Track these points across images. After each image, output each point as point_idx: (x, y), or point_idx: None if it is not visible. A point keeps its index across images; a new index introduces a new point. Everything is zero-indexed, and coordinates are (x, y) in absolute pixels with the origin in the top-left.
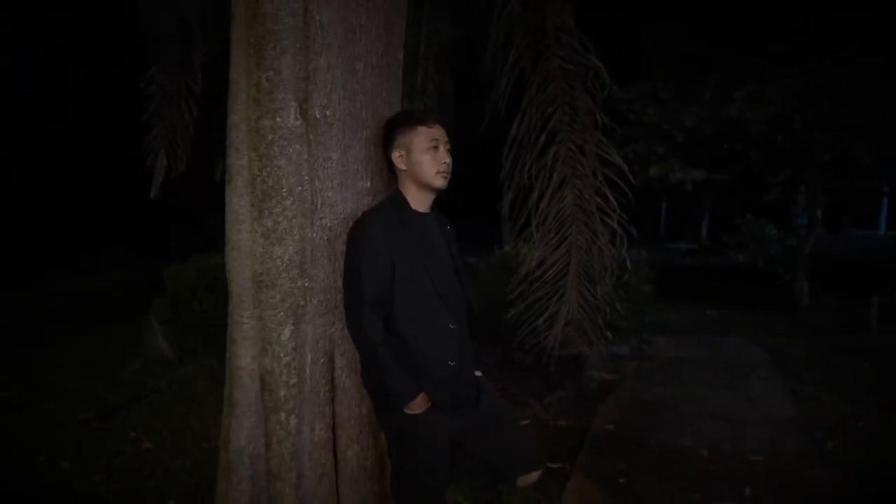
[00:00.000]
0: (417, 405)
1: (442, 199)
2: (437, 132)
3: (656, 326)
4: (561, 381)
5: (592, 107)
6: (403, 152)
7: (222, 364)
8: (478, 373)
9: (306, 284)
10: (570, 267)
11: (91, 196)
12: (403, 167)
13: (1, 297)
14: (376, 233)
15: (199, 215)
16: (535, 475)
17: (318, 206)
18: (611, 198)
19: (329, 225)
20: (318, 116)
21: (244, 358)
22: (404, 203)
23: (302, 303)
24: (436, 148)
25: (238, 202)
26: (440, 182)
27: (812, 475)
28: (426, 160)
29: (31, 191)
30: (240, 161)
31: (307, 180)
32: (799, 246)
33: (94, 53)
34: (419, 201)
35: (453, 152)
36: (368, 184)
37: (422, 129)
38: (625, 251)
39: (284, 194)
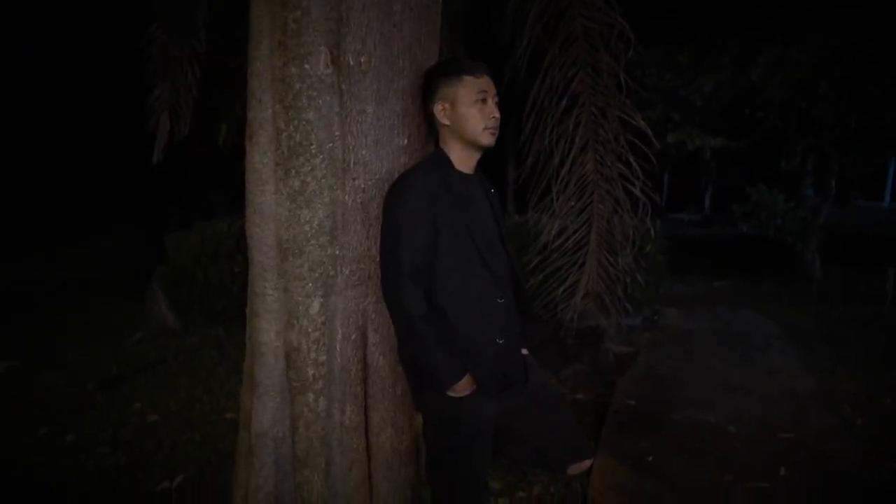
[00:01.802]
0: (462, 387)
1: None
2: (486, 83)
3: (666, 298)
4: (577, 354)
5: (616, 68)
6: (447, 105)
7: (229, 334)
8: (524, 351)
9: (337, 252)
10: (591, 236)
11: (90, 165)
12: (446, 122)
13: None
14: (418, 195)
15: (200, 183)
16: (587, 463)
17: (351, 164)
18: (634, 164)
19: (363, 186)
20: (350, 63)
21: (268, 333)
22: (447, 162)
23: (332, 273)
24: (484, 101)
25: (261, 160)
26: (488, 139)
27: (847, 454)
28: (473, 114)
29: (30, 159)
30: (263, 114)
31: (338, 136)
32: (811, 217)
33: (92, 19)
34: (463, 160)
35: None
36: (405, 141)
37: (469, 80)
38: (648, 220)
39: (313, 151)
